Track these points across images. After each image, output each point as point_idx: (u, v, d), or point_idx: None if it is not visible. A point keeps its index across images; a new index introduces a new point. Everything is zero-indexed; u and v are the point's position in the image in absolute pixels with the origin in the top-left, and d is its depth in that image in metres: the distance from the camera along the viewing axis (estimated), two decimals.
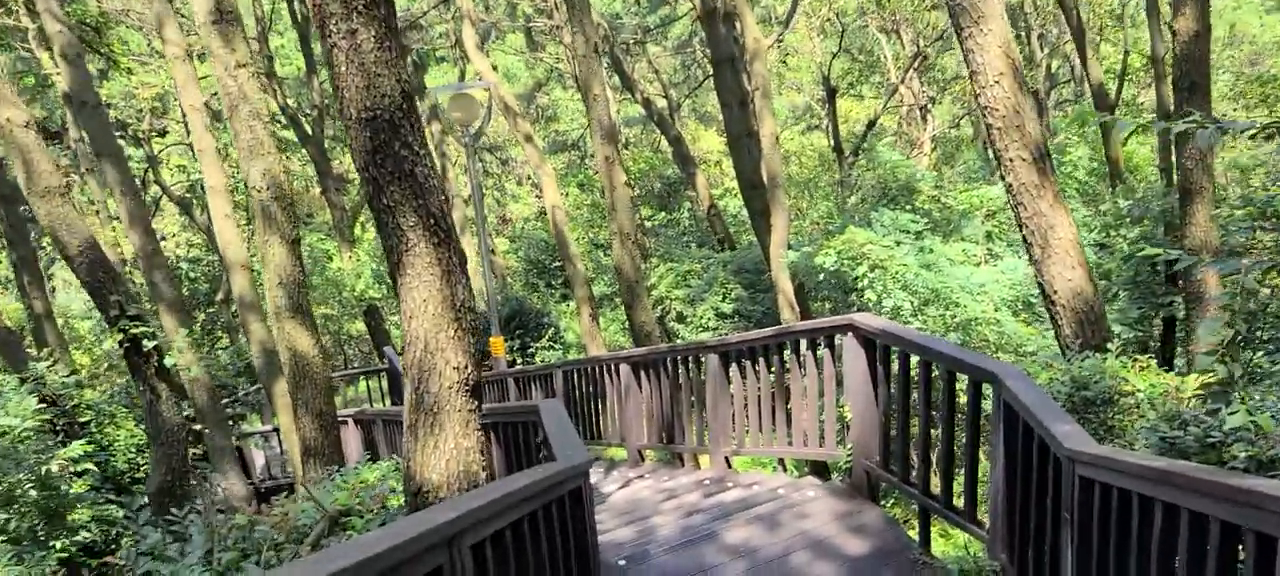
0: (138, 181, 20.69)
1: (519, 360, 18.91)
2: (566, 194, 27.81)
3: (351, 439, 11.47)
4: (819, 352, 6.62)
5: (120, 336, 9.70)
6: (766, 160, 14.52)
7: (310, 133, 23.98)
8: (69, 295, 28.07)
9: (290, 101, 24.55)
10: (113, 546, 8.26)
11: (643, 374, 8.54)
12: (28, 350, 14.62)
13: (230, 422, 11.50)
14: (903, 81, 26.72)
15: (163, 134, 25.23)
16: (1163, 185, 13.66)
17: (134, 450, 10.77)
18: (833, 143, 25.69)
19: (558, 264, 23.59)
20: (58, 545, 7.27)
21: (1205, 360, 4.52)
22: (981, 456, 5.20)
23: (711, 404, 7.56)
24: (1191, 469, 2.63)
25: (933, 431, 5.41)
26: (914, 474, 5.50)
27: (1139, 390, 5.53)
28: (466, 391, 4.72)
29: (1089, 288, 7.40)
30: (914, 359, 5.48)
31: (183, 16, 17.62)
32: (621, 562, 5.31)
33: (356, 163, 4.79)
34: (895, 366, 5.58)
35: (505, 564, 3.17)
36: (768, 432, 7.09)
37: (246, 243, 13.35)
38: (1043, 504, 3.74)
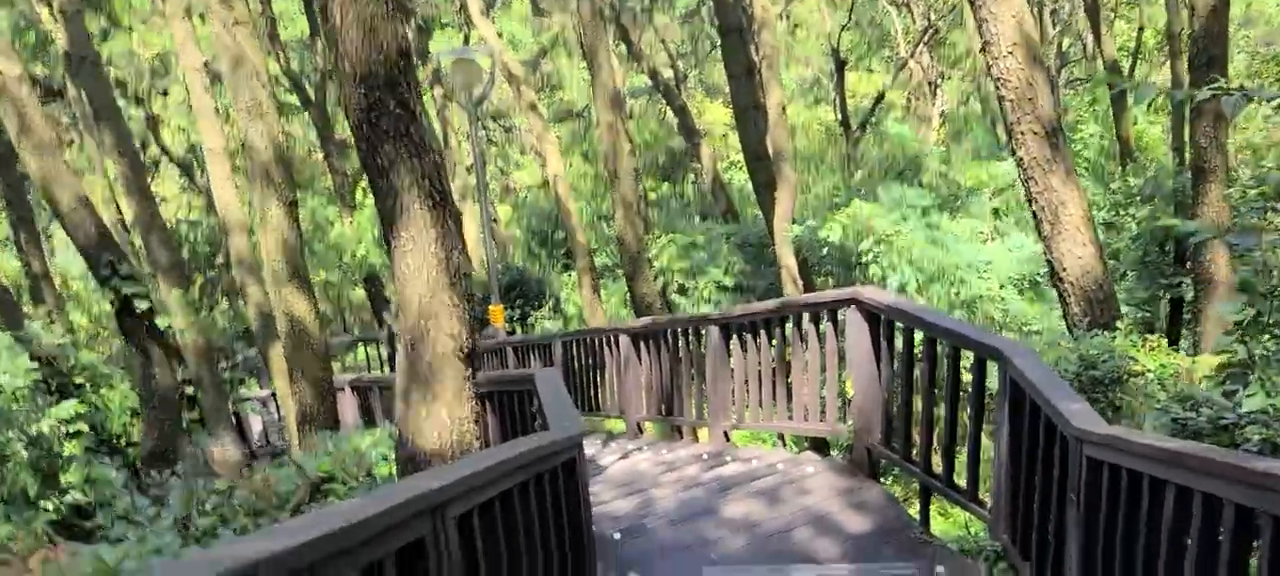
0: (138, 142, 20.54)
1: (518, 329, 18.84)
2: (570, 164, 27.60)
3: (348, 405, 11.42)
4: (821, 326, 6.52)
5: (112, 295, 9.62)
6: (772, 131, 14.34)
7: (313, 97, 23.77)
8: (69, 256, 27.99)
9: (294, 65, 24.31)
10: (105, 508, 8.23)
11: (643, 345, 8.44)
12: (25, 310, 14.57)
13: (227, 387, 11.44)
14: (913, 56, 26.35)
15: (164, 94, 25.02)
16: (1174, 164, 13.47)
17: (129, 413, 10.71)
18: (840, 117, 25.39)
19: (560, 234, 23.45)
20: (49, 506, 7.24)
21: (1223, 340, 4.41)
22: (984, 436, 5.11)
23: (712, 377, 7.46)
24: (1207, 450, 2.64)
25: (935, 409, 5.32)
26: (916, 451, 5.42)
27: (1149, 370, 5.43)
28: (461, 359, 4.63)
29: (1099, 266, 7.26)
30: (918, 334, 5.38)
31: None
32: (617, 535, 5.23)
33: (351, 121, 4.67)
34: (899, 342, 5.47)
35: (493, 535, 3.08)
36: (768, 407, 7.00)
37: (246, 205, 13.22)
38: (1048, 484, 3.67)
